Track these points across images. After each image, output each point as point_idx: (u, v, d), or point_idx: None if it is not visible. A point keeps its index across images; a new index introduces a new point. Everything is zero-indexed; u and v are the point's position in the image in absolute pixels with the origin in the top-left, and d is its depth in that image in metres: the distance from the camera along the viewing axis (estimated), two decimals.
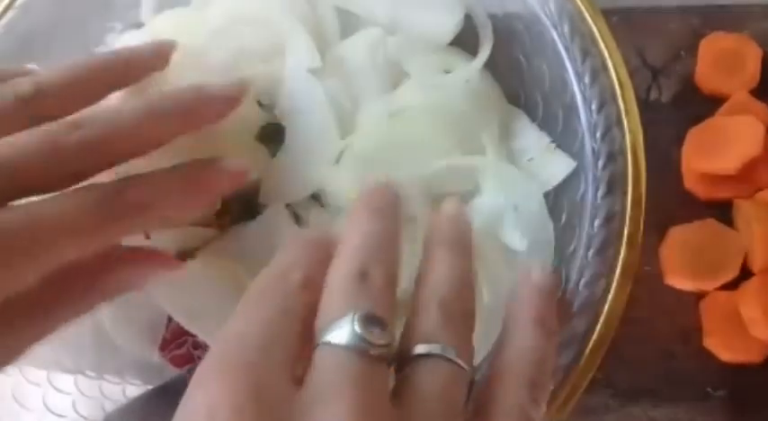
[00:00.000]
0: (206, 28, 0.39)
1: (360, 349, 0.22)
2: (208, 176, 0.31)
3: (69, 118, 0.28)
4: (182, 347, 0.36)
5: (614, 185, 0.34)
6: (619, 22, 0.50)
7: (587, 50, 0.36)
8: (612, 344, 0.32)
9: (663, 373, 0.45)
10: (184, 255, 0.37)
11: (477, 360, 0.31)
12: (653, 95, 0.51)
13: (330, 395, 0.21)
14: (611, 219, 0.33)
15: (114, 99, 0.33)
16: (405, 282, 0.27)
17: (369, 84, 0.39)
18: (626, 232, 0.33)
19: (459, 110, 0.38)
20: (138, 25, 0.41)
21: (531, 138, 0.39)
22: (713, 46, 0.50)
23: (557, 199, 0.38)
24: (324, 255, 0.26)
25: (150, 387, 0.38)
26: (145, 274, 0.32)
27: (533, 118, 0.40)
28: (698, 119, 0.48)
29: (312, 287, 0.25)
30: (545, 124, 0.39)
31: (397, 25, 0.39)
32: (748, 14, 0.51)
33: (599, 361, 0.31)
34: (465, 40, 0.40)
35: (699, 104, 0.49)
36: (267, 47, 0.39)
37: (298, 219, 0.37)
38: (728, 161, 0.45)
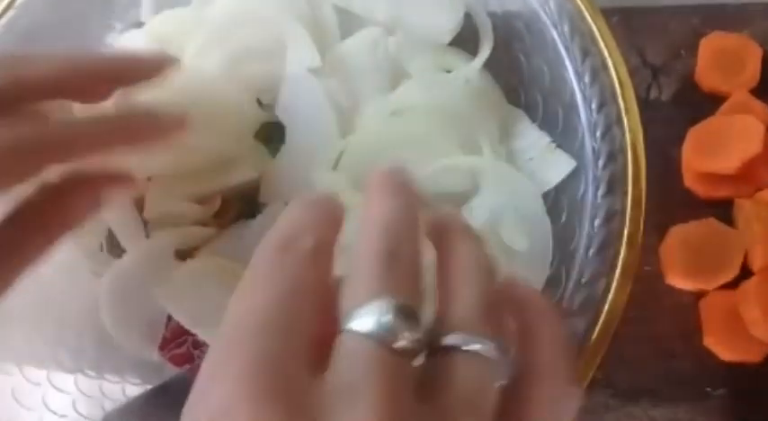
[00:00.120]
0: (206, 27, 0.39)
1: (387, 340, 0.20)
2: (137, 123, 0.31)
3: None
4: (181, 346, 0.36)
5: (614, 184, 0.34)
6: (619, 21, 0.50)
7: (587, 49, 0.36)
8: (612, 343, 0.32)
9: (663, 373, 0.45)
10: (184, 254, 0.37)
11: None
12: (653, 95, 0.51)
13: (354, 390, 0.19)
14: (612, 219, 0.33)
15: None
16: None
17: (369, 83, 0.39)
18: (626, 231, 0.33)
19: (458, 110, 0.38)
20: (138, 25, 0.41)
21: (531, 137, 0.39)
22: (713, 45, 0.50)
23: (557, 198, 0.37)
24: (334, 218, 0.24)
25: (150, 386, 0.38)
26: (100, 195, 0.32)
27: (533, 117, 0.40)
28: (698, 118, 0.48)
29: (325, 254, 0.23)
30: (545, 124, 0.39)
31: (397, 25, 0.39)
32: (748, 14, 0.51)
33: (599, 360, 0.31)
34: (465, 40, 0.40)
35: (699, 104, 0.49)
36: (267, 46, 0.39)
37: None
38: (728, 160, 0.45)
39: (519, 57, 0.40)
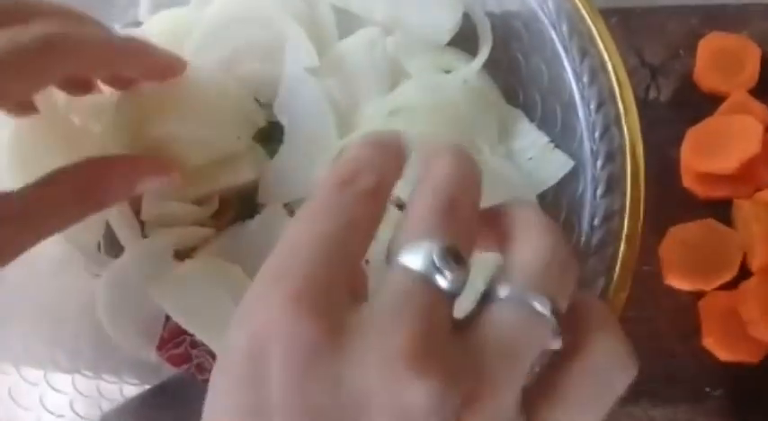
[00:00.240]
0: (203, 27, 0.39)
1: (433, 280, 0.21)
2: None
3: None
4: (179, 346, 0.36)
5: (613, 185, 0.34)
6: (618, 21, 0.50)
7: (586, 50, 0.36)
8: None
9: (662, 373, 0.45)
10: (182, 254, 0.37)
11: None
12: (652, 95, 0.51)
13: (392, 318, 0.20)
14: (610, 219, 0.33)
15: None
16: None
17: (367, 83, 0.38)
18: (625, 231, 0.33)
19: (457, 109, 0.38)
20: (137, 24, 0.41)
21: (529, 137, 0.39)
22: (712, 45, 0.50)
23: (555, 198, 0.37)
24: (397, 160, 0.24)
25: (147, 386, 0.38)
26: (134, 181, 0.33)
27: (532, 117, 0.40)
28: (697, 118, 0.48)
29: (382, 194, 0.23)
30: (543, 123, 0.39)
31: (396, 25, 0.39)
32: (747, 14, 0.51)
33: None
34: (463, 40, 0.40)
35: (698, 104, 0.49)
36: (265, 46, 0.39)
37: None
38: (727, 160, 0.45)
39: (517, 56, 0.40)
